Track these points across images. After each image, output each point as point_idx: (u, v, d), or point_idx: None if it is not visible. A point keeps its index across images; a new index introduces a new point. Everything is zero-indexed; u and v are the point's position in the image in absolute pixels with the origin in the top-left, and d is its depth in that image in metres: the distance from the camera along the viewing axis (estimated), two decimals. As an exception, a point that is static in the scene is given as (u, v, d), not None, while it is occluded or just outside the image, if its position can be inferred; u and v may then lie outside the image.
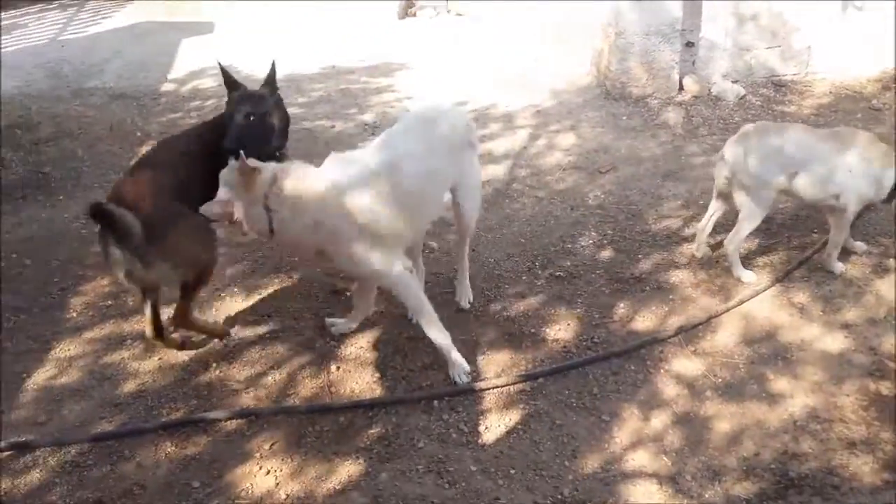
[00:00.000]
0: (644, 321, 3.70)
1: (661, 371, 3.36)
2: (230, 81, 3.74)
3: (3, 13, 9.82)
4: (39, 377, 3.41)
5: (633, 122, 6.05)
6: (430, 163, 3.31)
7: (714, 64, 6.40)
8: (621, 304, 3.81)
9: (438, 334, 3.29)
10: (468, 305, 3.81)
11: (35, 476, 2.89)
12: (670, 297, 3.86)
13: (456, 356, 3.31)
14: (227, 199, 3.04)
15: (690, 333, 3.58)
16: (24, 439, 3.03)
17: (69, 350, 3.58)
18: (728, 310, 3.72)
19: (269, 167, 3.08)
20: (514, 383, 3.28)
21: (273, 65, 3.82)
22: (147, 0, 9.92)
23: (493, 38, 8.42)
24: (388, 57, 7.87)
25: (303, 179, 3.07)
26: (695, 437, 3.01)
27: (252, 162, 2.99)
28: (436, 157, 3.34)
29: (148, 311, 3.33)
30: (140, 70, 7.56)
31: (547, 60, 7.47)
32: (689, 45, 6.30)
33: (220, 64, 3.85)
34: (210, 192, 3.10)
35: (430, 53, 7.96)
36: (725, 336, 3.57)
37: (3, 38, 8.75)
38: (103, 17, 9.61)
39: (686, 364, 3.39)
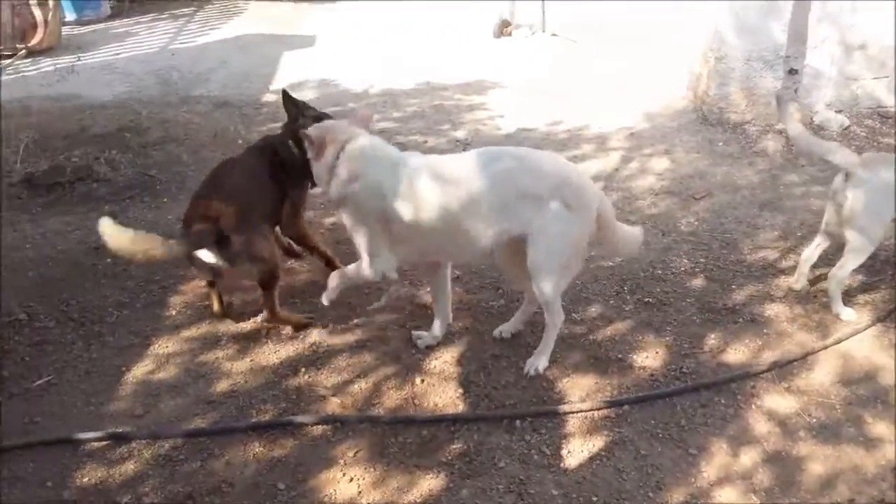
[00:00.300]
0: (736, 354, 3.61)
1: (753, 407, 3.27)
2: (294, 105, 4.07)
3: (117, 21, 10.34)
4: (138, 371, 3.55)
5: (730, 149, 5.94)
6: (477, 194, 3.19)
7: (818, 93, 6.21)
8: (712, 335, 3.74)
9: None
10: (534, 373, 3.50)
11: (129, 467, 3.01)
12: (764, 330, 3.76)
13: None
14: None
15: (784, 370, 3.47)
16: (121, 430, 3.17)
17: (167, 347, 3.72)
18: (825, 347, 3.59)
19: (341, 135, 3.43)
20: (599, 409, 3.25)
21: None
22: (252, 13, 10.31)
23: (588, 58, 8.40)
24: (482, 75, 7.94)
25: (360, 143, 3.39)
26: (786, 478, 2.91)
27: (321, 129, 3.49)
28: (492, 194, 3.20)
29: (214, 296, 3.91)
30: (244, 80, 7.83)
31: (642, 82, 7.40)
32: (793, 72, 6.14)
33: (284, 91, 4.13)
34: (271, 202, 3.86)
35: (524, 72, 8.00)
36: (822, 374, 3.45)
37: (117, 45, 9.21)
38: (211, 29, 10.01)
39: (779, 401, 3.29)
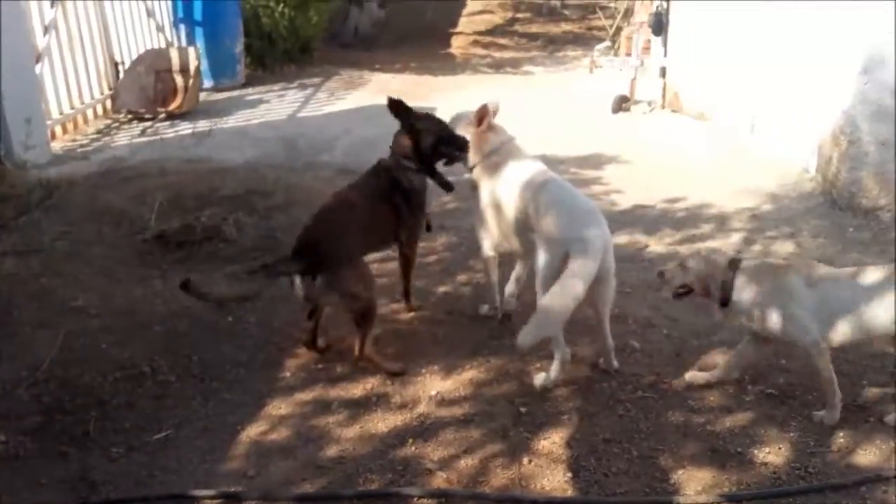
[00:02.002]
0: (866, 455, 3.38)
1: (885, 512, 3.04)
2: (405, 111, 4.29)
3: (250, 89, 10.93)
4: (252, 431, 3.63)
5: (862, 235, 5.68)
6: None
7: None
8: (841, 434, 3.51)
9: None
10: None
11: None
12: (898, 431, 3.52)
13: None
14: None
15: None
16: (233, 490, 3.22)
17: (280, 408, 3.79)
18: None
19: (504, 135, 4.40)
20: (716, 503, 3.09)
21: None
22: (375, 85, 10.70)
23: (709, 134, 8.29)
24: (599, 149, 7.93)
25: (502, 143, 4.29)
26: None
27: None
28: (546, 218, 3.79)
29: (311, 324, 4.09)
30: (365, 148, 8.04)
31: (767, 162, 7.22)
32: (928, 158, 5.86)
33: (390, 98, 4.28)
34: (381, 228, 4.15)
35: (642, 148, 7.94)
36: (962, 483, 3.18)
37: (249, 111, 9.71)
38: (336, 99, 10.45)
39: (915, 510, 3.05)
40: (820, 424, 3.56)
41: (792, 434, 3.52)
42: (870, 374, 3.96)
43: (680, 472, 3.31)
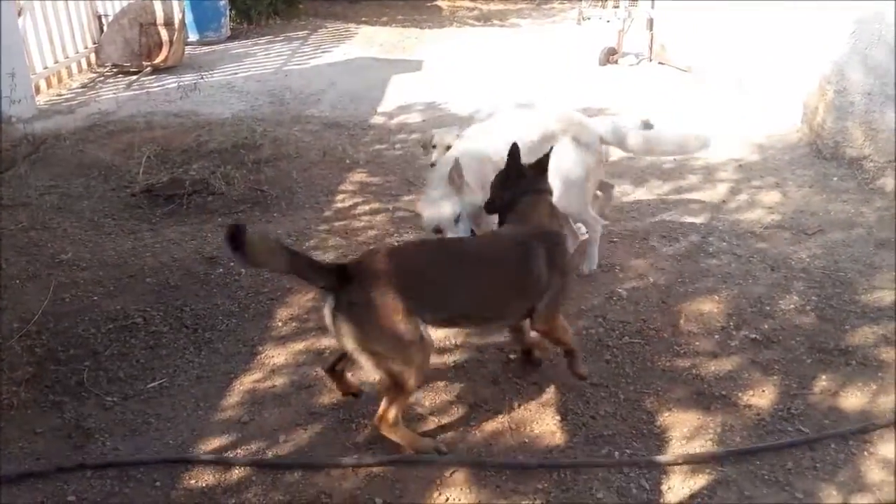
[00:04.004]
0: (848, 398, 3.45)
1: (866, 453, 3.12)
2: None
3: (236, 42, 10.80)
4: (245, 379, 3.67)
5: (846, 185, 5.73)
6: None
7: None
8: (823, 377, 3.59)
9: None
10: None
11: (235, 473, 3.09)
12: (879, 374, 3.59)
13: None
14: None
15: (900, 417, 3.31)
16: (227, 455, 3.19)
17: (273, 357, 3.83)
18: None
19: None
20: (703, 461, 3.11)
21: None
22: (362, 38, 10.60)
23: (696, 87, 8.29)
24: (587, 102, 7.91)
25: None
26: (901, 531, 2.78)
27: None
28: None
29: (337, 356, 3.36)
30: (352, 102, 8.06)
31: (753, 113, 7.24)
32: (915, 107, 5.88)
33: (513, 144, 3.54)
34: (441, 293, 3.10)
35: (629, 100, 7.92)
36: (944, 423, 3.27)
37: (235, 65, 9.62)
38: (323, 52, 10.36)
39: (894, 449, 3.13)
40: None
41: (775, 377, 3.59)
42: (852, 318, 4.03)
43: (665, 414, 3.38)
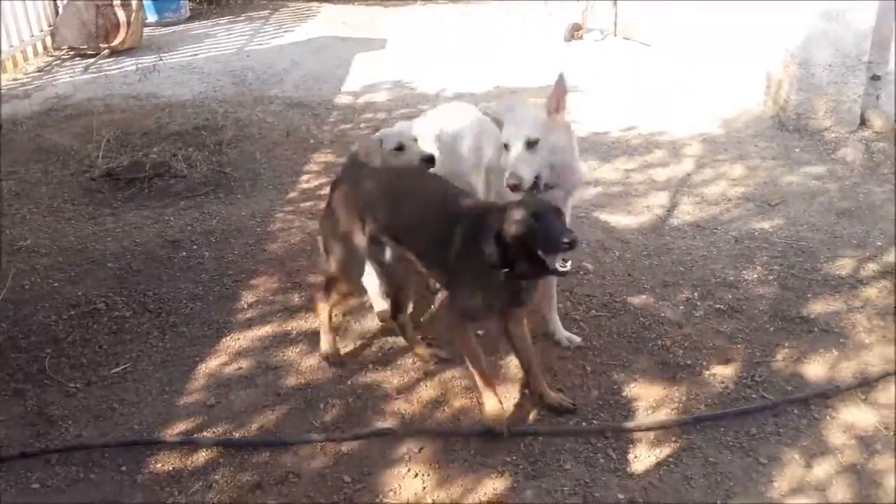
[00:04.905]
0: (811, 364, 3.51)
1: (828, 418, 3.17)
2: None
3: (196, 23, 10.63)
4: (211, 362, 3.63)
5: (808, 156, 5.79)
6: None
7: (903, 99, 6.01)
8: (786, 344, 3.64)
9: None
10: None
11: (202, 455, 3.07)
12: (840, 340, 3.65)
13: None
14: None
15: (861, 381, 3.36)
16: (193, 437, 3.17)
17: (238, 340, 3.79)
18: (909, 360, 3.47)
19: None
20: (674, 424, 3.16)
21: None
22: (325, 16, 10.47)
23: (660, 62, 8.30)
24: (553, 79, 7.86)
25: None
26: (863, 491, 2.82)
27: None
28: None
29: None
30: (316, 81, 7.97)
31: (717, 87, 7.28)
32: (875, 78, 5.93)
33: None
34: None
35: (595, 76, 7.93)
36: (902, 387, 3.33)
37: (195, 46, 9.46)
38: (285, 31, 10.22)
39: (856, 413, 3.19)
40: None
41: (739, 346, 3.64)
42: (814, 287, 4.09)
43: (632, 385, 3.41)
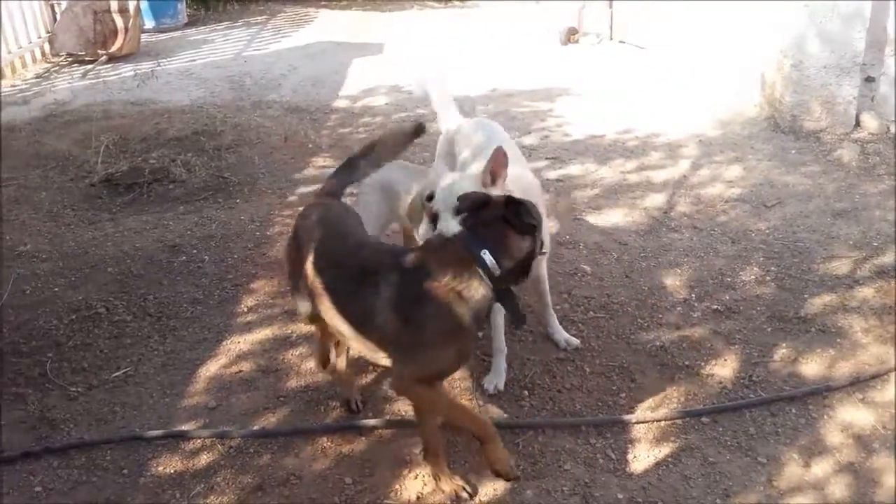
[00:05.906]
0: (808, 364, 3.53)
1: (825, 417, 3.19)
2: None
3: (194, 29, 10.66)
4: (212, 366, 3.65)
5: (804, 157, 5.82)
6: None
7: (896, 101, 6.05)
8: (783, 344, 3.66)
9: None
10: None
11: (203, 458, 3.09)
12: (837, 340, 3.67)
13: None
14: None
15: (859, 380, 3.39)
16: (184, 429, 3.22)
17: (239, 343, 3.81)
18: (906, 360, 3.49)
19: None
20: (673, 418, 3.20)
21: None
22: (322, 22, 10.50)
23: (656, 65, 8.34)
24: (549, 82, 7.94)
25: None
26: (861, 490, 2.84)
27: None
28: None
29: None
30: (314, 86, 8.00)
31: (712, 89, 7.31)
32: (870, 80, 5.98)
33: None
34: None
35: (592, 80, 7.97)
36: (899, 387, 3.35)
37: (193, 51, 9.49)
38: (283, 37, 10.26)
39: (853, 413, 3.21)
40: None
41: (736, 346, 3.66)
42: (811, 287, 4.11)
43: (631, 385, 3.43)
